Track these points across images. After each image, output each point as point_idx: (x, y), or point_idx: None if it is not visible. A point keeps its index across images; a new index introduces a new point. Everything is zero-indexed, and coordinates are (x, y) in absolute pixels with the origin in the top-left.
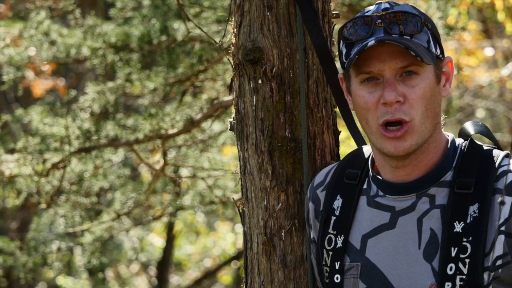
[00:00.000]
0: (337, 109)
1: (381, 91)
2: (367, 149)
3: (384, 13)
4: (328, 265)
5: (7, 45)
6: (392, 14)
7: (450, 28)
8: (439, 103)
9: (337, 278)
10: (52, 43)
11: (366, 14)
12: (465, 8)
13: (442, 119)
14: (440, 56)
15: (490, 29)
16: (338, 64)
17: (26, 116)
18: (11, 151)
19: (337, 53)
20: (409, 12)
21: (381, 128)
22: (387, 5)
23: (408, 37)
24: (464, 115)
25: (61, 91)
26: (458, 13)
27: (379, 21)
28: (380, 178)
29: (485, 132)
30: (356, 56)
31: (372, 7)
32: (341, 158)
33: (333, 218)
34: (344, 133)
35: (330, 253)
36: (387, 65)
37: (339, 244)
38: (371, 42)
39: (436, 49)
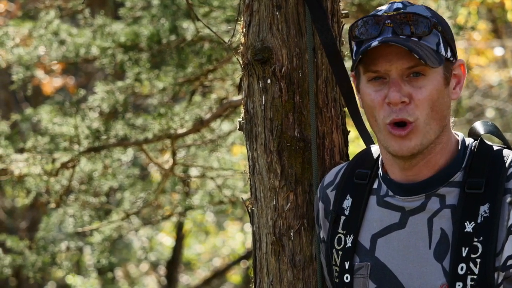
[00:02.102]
0: (346, 109)
1: (387, 90)
2: (376, 149)
3: (394, 13)
4: (338, 265)
5: (17, 44)
6: (403, 15)
7: (459, 28)
8: (448, 105)
9: (346, 278)
10: (62, 42)
11: (377, 13)
12: (475, 8)
13: (452, 120)
14: (451, 59)
15: (499, 29)
16: (347, 64)
17: (35, 116)
18: (21, 151)
19: (347, 52)
20: (420, 14)
21: (388, 126)
22: (400, 5)
23: (416, 39)
24: (473, 115)
25: (71, 90)
26: (468, 13)
27: (388, 21)
28: (390, 178)
29: (495, 131)
30: (360, 56)
31: (384, 7)
32: (350, 158)
33: (343, 217)
34: (353, 132)
35: (340, 252)
36: (393, 65)
37: (349, 244)
38: (375, 42)
39: (446, 51)
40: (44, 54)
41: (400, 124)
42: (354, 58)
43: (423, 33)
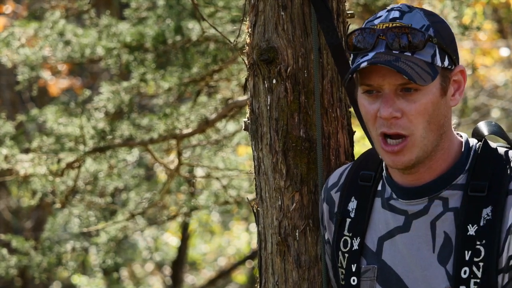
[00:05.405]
0: (351, 109)
1: (380, 104)
2: None
3: (389, 25)
4: (344, 267)
5: (23, 44)
6: (396, 28)
7: (465, 28)
8: (445, 114)
9: (353, 281)
10: (67, 43)
11: (373, 23)
12: (481, 8)
13: (454, 122)
14: (449, 66)
15: (505, 29)
16: None
17: (41, 116)
18: (26, 151)
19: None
20: (414, 28)
21: (381, 139)
22: (397, 14)
23: (409, 53)
24: (479, 115)
25: (77, 91)
26: (473, 13)
27: (381, 34)
28: (394, 181)
29: (499, 132)
30: (350, 76)
31: (383, 14)
32: (355, 158)
33: (348, 220)
34: (358, 133)
35: (346, 255)
36: (386, 80)
37: (355, 247)
38: (364, 63)
39: (443, 61)
40: (50, 54)
41: (394, 137)
42: (351, 65)
43: (417, 48)
